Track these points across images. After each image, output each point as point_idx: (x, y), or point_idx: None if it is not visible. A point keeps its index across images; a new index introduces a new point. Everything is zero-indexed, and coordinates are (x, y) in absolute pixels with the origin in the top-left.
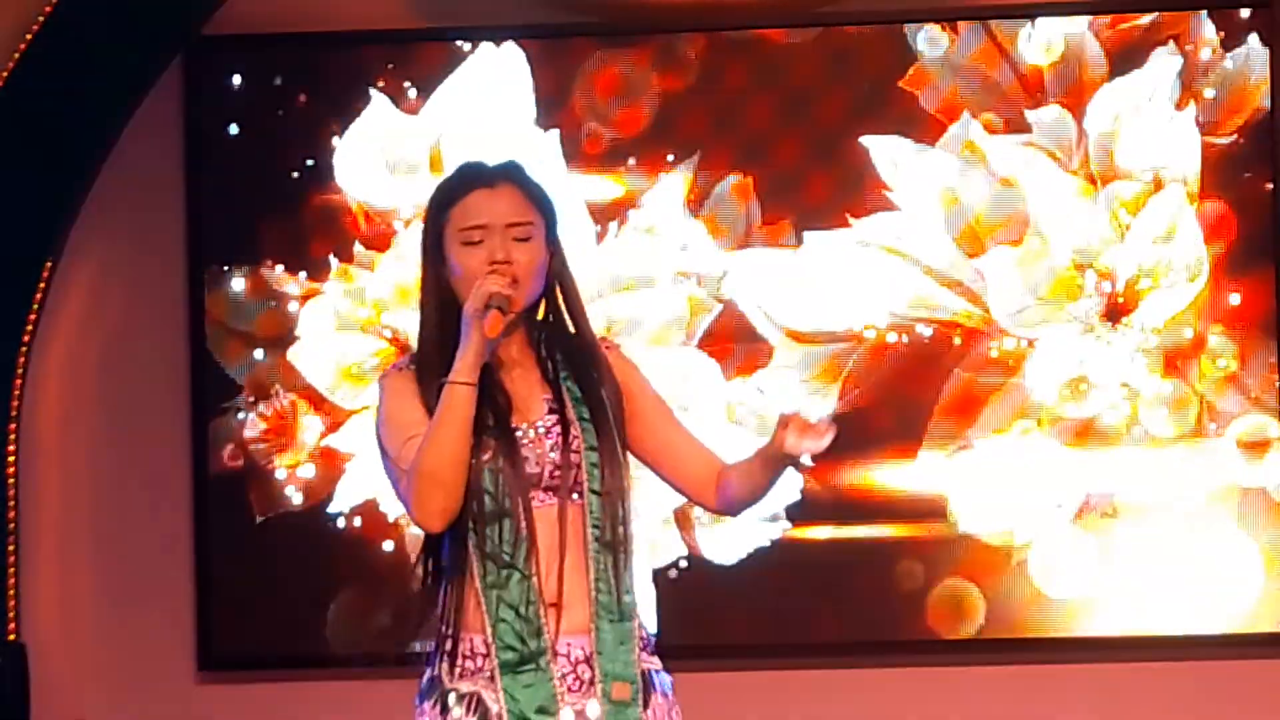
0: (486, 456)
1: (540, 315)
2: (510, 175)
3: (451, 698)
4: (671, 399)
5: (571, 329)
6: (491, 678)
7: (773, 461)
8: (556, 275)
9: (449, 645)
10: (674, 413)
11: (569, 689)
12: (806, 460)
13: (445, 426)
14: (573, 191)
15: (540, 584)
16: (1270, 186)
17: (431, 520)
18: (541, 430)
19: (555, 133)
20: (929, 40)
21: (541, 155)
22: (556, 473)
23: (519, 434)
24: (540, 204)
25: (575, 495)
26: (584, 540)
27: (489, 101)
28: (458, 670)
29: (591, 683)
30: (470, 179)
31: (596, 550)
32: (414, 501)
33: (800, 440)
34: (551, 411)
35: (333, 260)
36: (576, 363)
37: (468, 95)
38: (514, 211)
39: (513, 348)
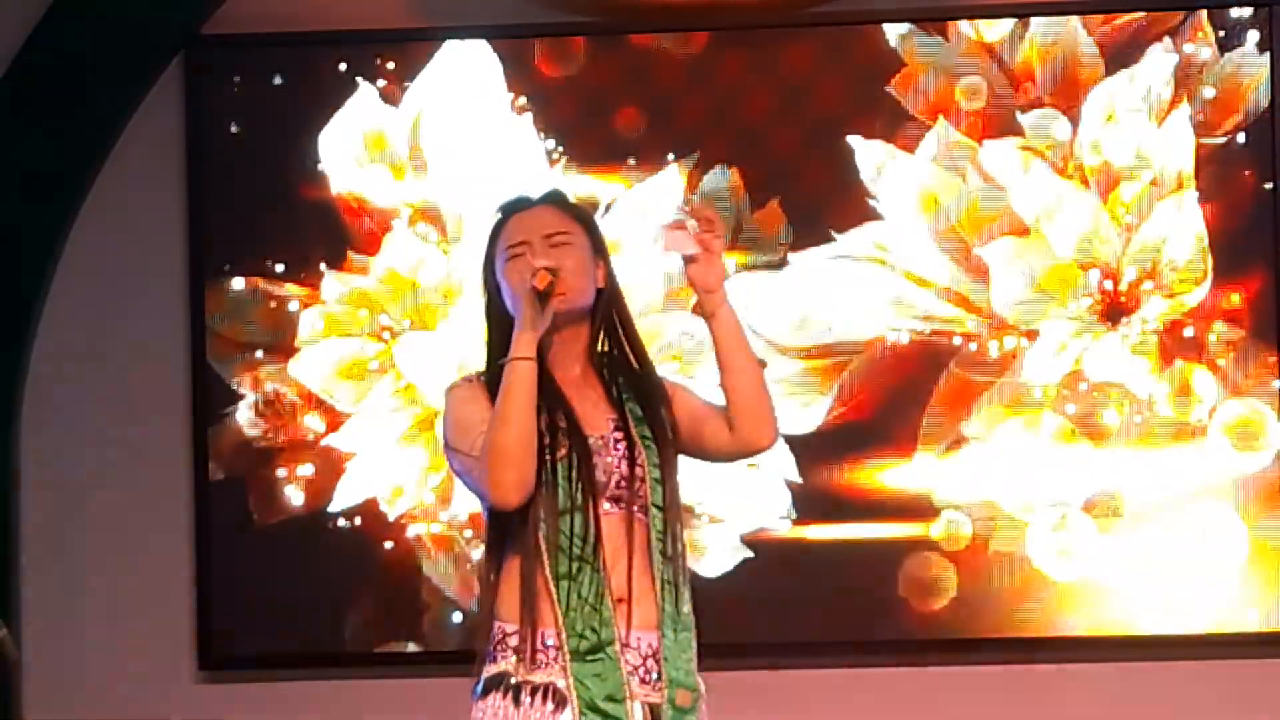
0: (561, 453)
1: (601, 347)
2: (546, 198)
3: (526, 689)
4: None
5: (631, 359)
6: (563, 668)
7: (700, 300)
8: (611, 305)
9: (517, 640)
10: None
11: (640, 680)
12: (691, 249)
13: (510, 401)
14: (566, 190)
15: (608, 578)
16: (1270, 186)
17: (508, 494)
18: (611, 442)
19: (539, 128)
20: (922, 41)
21: (531, 155)
22: (622, 484)
23: (591, 439)
24: (581, 220)
25: (640, 511)
26: (648, 551)
27: (471, 98)
28: (527, 663)
29: (660, 678)
30: (510, 208)
31: (660, 562)
32: (489, 479)
33: (673, 239)
34: (617, 429)
35: (333, 259)
36: (637, 388)
37: (450, 91)
38: (550, 224)
39: (575, 369)
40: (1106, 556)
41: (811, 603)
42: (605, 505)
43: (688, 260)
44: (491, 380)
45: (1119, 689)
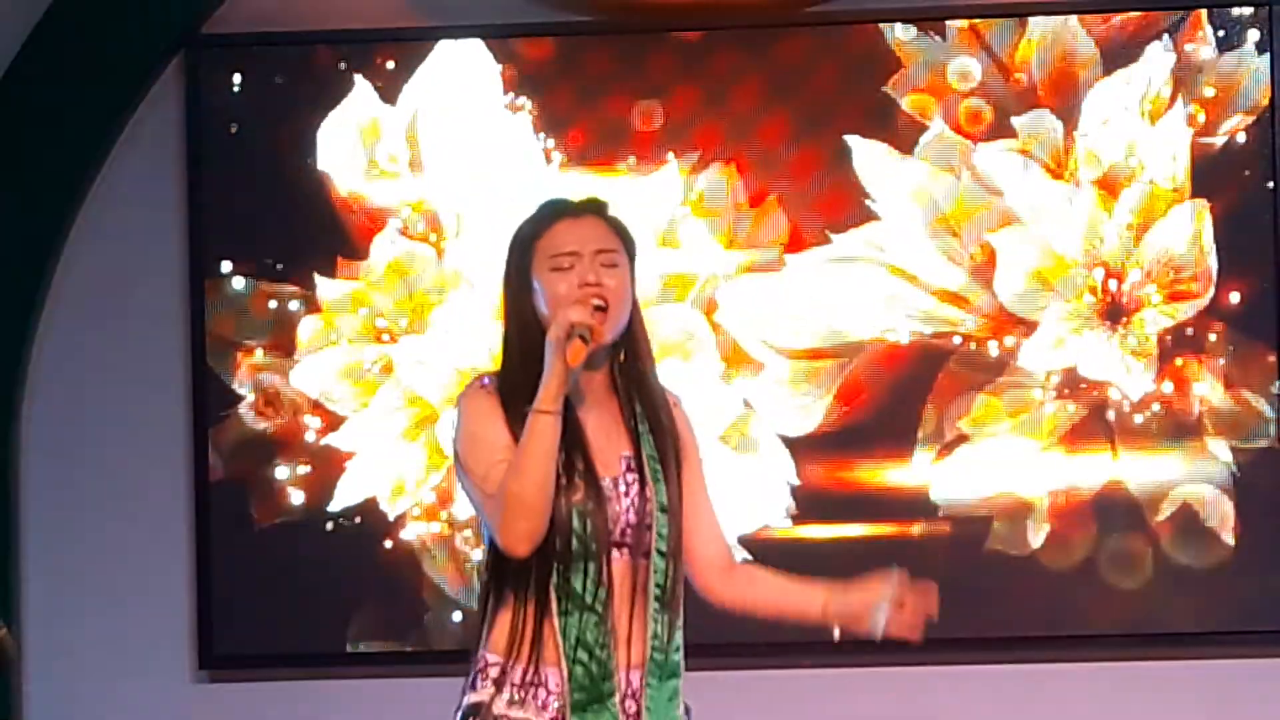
0: (577, 497)
1: (621, 358)
2: (594, 208)
3: None
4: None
5: (646, 380)
6: (555, 716)
7: (835, 616)
8: (636, 318)
9: (497, 673)
10: (704, 475)
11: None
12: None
13: (531, 455)
14: (564, 188)
15: (615, 629)
16: (1270, 186)
17: (519, 544)
18: (621, 488)
19: (537, 125)
20: (920, 40)
21: (528, 153)
22: (628, 531)
23: (604, 485)
24: (625, 239)
25: (643, 556)
26: (646, 594)
27: (470, 97)
28: (508, 698)
29: (638, 716)
30: (557, 211)
31: (656, 609)
32: (501, 526)
33: (889, 622)
34: (629, 469)
35: (332, 259)
36: (651, 410)
37: (448, 90)
38: (602, 239)
39: (596, 386)
40: (1106, 555)
41: None
42: (615, 553)
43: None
44: (506, 388)
45: (1119, 689)
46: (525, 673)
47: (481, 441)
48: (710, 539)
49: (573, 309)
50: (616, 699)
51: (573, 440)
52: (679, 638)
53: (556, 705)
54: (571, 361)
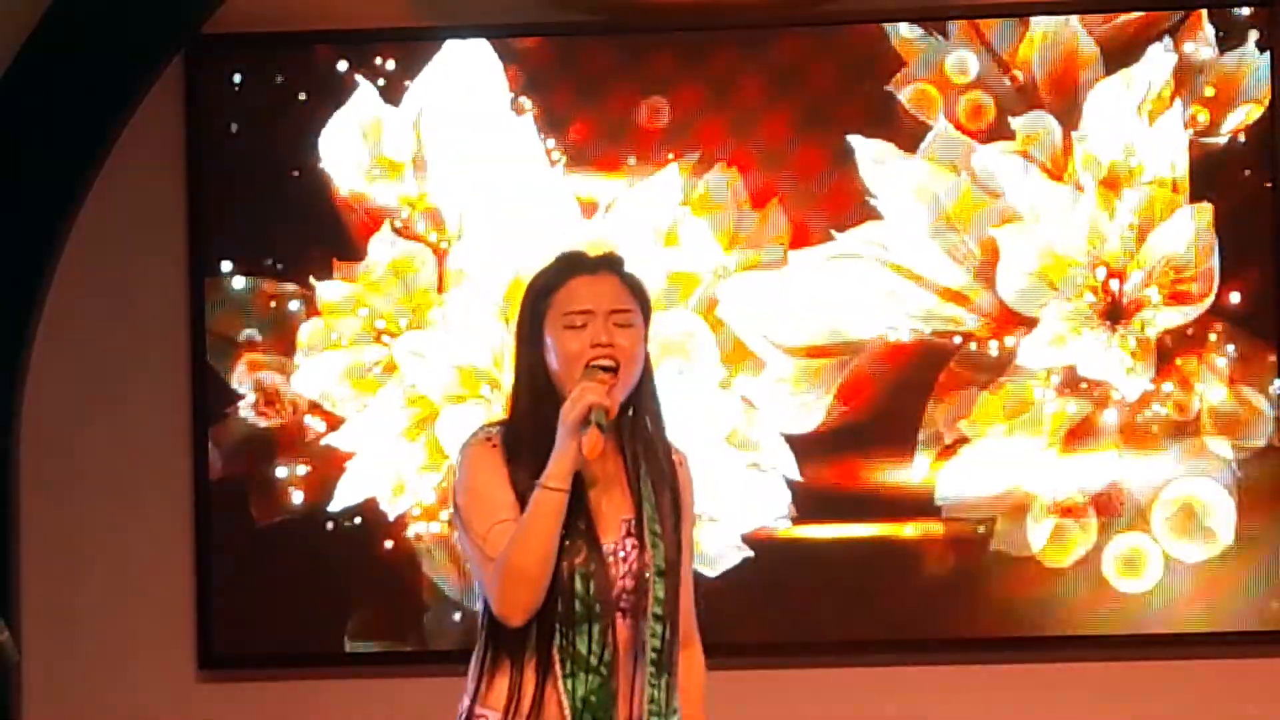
0: (579, 559)
1: (630, 413)
2: (611, 265)
3: None
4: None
5: (654, 440)
6: None
7: None
8: (647, 376)
9: None
10: (690, 553)
11: None
12: None
13: (535, 530)
14: (566, 188)
15: (619, 692)
16: (1270, 186)
17: (515, 614)
18: (621, 555)
19: (539, 125)
20: (923, 40)
21: (531, 154)
22: (625, 597)
23: (606, 549)
24: (640, 297)
25: (642, 617)
26: (643, 660)
27: (471, 96)
28: None
29: None
30: (572, 266)
31: (652, 673)
32: (499, 595)
33: None
34: (629, 534)
35: (333, 259)
36: (656, 469)
37: (450, 88)
38: (617, 298)
39: (604, 449)
40: (1106, 555)
41: (811, 602)
42: (618, 617)
43: None
44: (511, 441)
45: (1119, 689)
46: None
47: (484, 500)
48: (683, 610)
49: (591, 389)
50: None
51: (575, 502)
52: (676, 698)
53: None
54: (589, 453)
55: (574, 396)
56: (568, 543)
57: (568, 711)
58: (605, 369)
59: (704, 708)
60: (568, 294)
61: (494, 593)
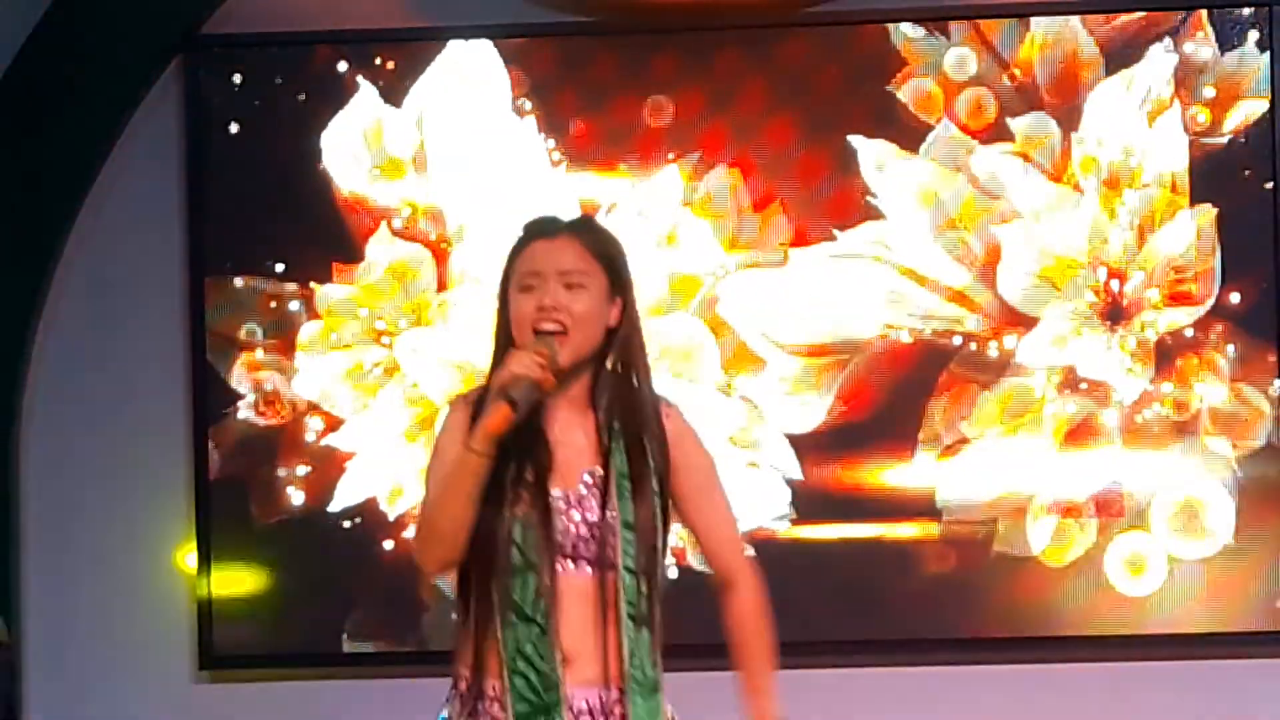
0: (520, 510)
1: (610, 366)
2: (572, 227)
3: None
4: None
5: (635, 399)
6: None
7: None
8: (627, 341)
9: (463, 686)
10: (716, 483)
11: None
12: None
13: (451, 490)
14: (567, 189)
15: (559, 641)
16: (1270, 186)
17: (427, 566)
18: (574, 500)
19: (541, 127)
20: (924, 40)
21: (530, 150)
22: (581, 544)
23: (554, 496)
24: (603, 256)
25: (610, 570)
26: (616, 613)
27: (473, 95)
28: (469, 713)
29: None
30: (533, 232)
31: (630, 627)
32: (415, 546)
33: None
34: (591, 484)
35: (333, 259)
36: (632, 425)
37: (451, 90)
38: (567, 261)
39: (573, 397)
40: (1106, 556)
41: (811, 602)
42: (570, 565)
43: None
44: (480, 401)
45: (1119, 689)
46: (478, 686)
47: (439, 455)
48: (714, 552)
49: (519, 360)
50: (563, 711)
51: (529, 452)
52: (657, 654)
53: (501, 711)
54: (490, 427)
55: (504, 363)
56: (511, 494)
57: (504, 660)
58: (551, 332)
59: (766, 656)
60: (524, 259)
61: (414, 544)
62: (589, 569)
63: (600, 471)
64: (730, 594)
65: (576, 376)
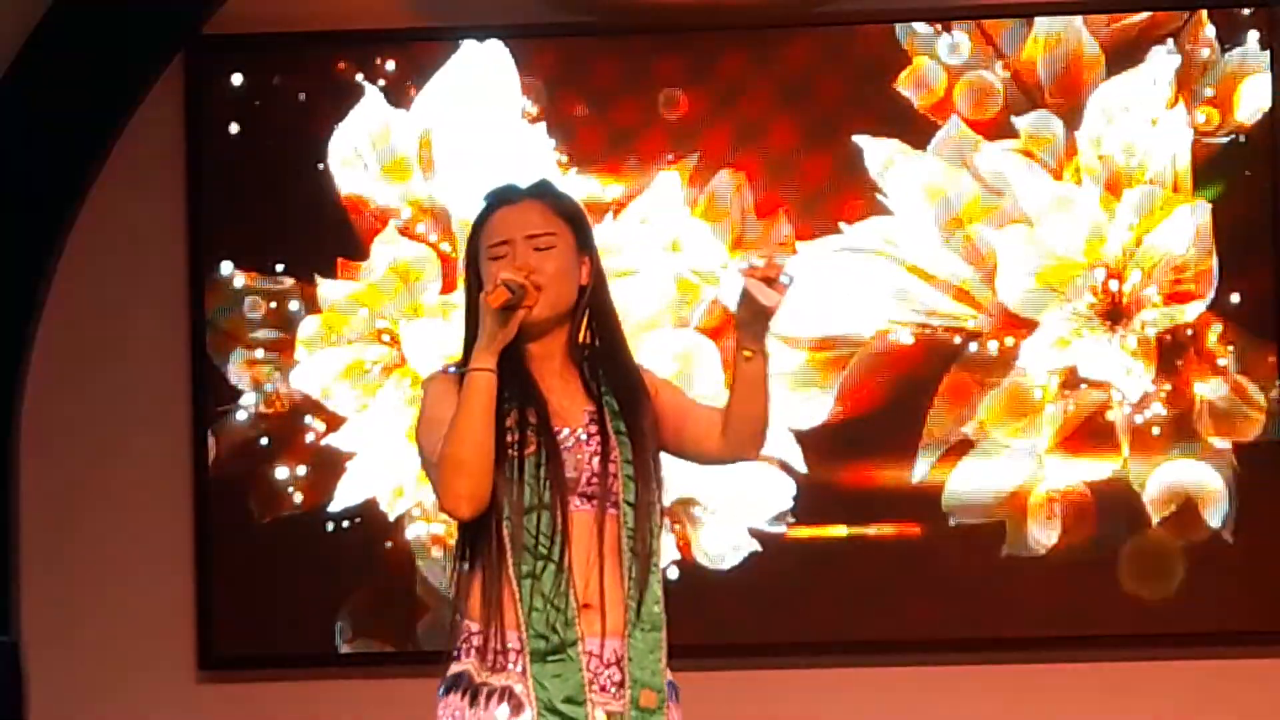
0: (530, 449)
1: (582, 338)
2: (533, 191)
3: (484, 691)
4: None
5: (612, 352)
6: (523, 670)
7: (746, 337)
8: (595, 299)
9: (480, 640)
10: (683, 393)
11: (600, 688)
12: (774, 299)
13: (467, 413)
14: (574, 193)
15: (573, 579)
16: (1271, 186)
17: (459, 504)
18: (583, 438)
19: (545, 128)
20: (928, 39)
21: (536, 152)
22: (594, 480)
23: (561, 435)
24: (567, 216)
25: (611, 506)
26: (619, 550)
27: (479, 97)
28: (489, 664)
29: (621, 685)
30: (495, 200)
31: (630, 560)
32: (442, 489)
33: (760, 291)
34: (592, 423)
35: (333, 259)
36: (616, 384)
37: (458, 91)
38: (534, 224)
39: (555, 363)
40: (1107, 555)
41: (813, 600)
42: (576, 502)
43: (753, 307)
44: (462, 373)
45: (1121, 689)
46: (493, 633)
47: (434, 420)
48: (707, 433)
49: (500, 266)
50: (580, 648)
51: (528, 397)
52: (659, 591)
53: (519, 659)
54: (492, 302)
55: (488, 277)
56: (518, 436)
57: (519, 600)
58: (510, 286)
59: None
60: (490, 229)
61: (438, 489)
62: (594, 506)
63: (595, 412)
64: (723, 429)
65: (554, 335)
